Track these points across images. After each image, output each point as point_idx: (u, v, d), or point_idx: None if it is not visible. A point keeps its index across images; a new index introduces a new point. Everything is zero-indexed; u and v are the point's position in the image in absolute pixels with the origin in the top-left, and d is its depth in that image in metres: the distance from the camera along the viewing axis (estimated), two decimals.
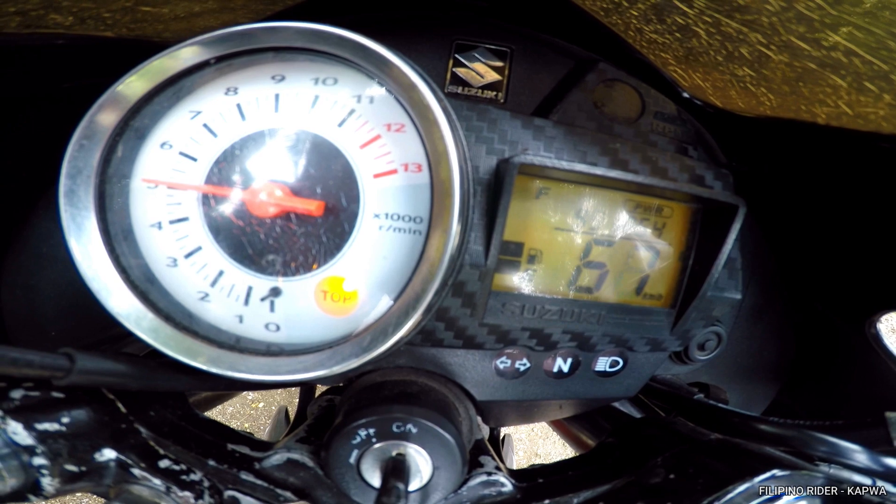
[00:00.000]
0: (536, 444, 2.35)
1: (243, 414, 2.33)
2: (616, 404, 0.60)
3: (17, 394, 0.35)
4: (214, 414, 2.29)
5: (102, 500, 0.39)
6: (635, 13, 0.40)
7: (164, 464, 0.39)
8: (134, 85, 0.34)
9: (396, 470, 0.35)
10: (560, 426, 0.79)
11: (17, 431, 0.33)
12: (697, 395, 0.50)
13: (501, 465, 0.50)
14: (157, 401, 0.44)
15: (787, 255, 0.56)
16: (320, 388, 0.74)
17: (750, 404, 0.61)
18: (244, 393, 2.34)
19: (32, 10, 0.30)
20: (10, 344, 0.28)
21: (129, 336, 0.37)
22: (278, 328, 0.40)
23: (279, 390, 2.34)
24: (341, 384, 0.52)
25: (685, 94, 0.44)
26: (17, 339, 0.46)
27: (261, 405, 2.36)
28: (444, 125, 0.35)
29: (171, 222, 0.39)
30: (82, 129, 0.34)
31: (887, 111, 0.34)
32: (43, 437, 0.34)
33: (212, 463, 0.41)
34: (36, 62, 0.38)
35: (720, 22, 0.36)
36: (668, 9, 0.37)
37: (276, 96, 0.39)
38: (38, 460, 0.33)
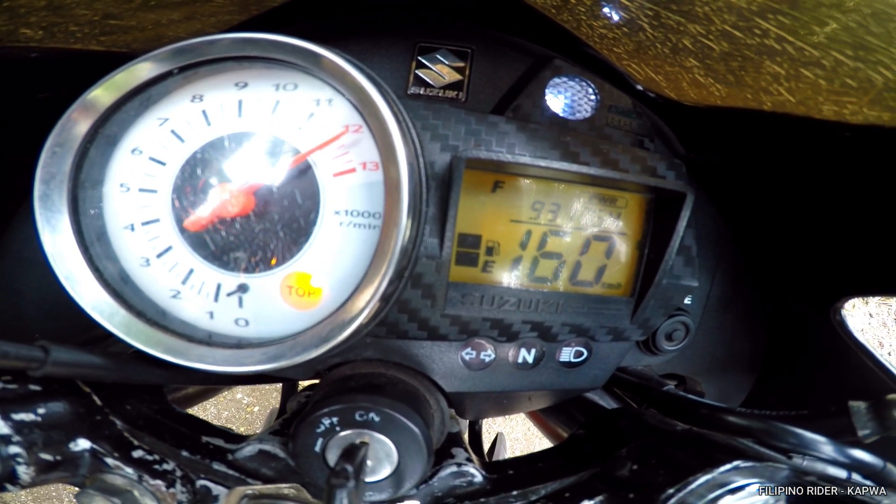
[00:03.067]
0: (533, 443, 2.34)
1: (238, 418, 2.36)
2: (591, 396, 0.60)
3: None
4: (209, 419, 2.32)
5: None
6: (582, 9, 0.41)
7: (137, 454, 0.41)
8: (100, 96, 0.37)
9: (349, 453, 0.36)
10: (536, 418, 0.79)
11: None
12: (668, 386, 0.50)
13: (473, 457, 0.50)
14: (134, 395, 0.46)
15: (753, 245, 0.56)
16: (303, 385, 0.76)
17: (726, 395, 0.60)
18: (239, 397, 2.36)
19: (2, 25, 0.33)
20: None
21: (110, 337, 0.39)
22: (247, 323, 0.42)
23: (273, 393, 2.36)
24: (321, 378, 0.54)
25: (639, 87, 0.45)
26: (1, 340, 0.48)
27: (256, 409, 2.38)
28: (393, 125, 0.37)
29: (144, 224, 0.41)
30: (54, 136, 0.36)
31: (825, 97, 0.34)
32: (19, 426, 0.36)
33: (185, 454, 0.43)
34: (11, 74, 0.41)
35: (660, 14, 0.37)
36: (611, 3, 0.38)
37: (240, 102, 0.41)
38: (14, 449, 0.35)
